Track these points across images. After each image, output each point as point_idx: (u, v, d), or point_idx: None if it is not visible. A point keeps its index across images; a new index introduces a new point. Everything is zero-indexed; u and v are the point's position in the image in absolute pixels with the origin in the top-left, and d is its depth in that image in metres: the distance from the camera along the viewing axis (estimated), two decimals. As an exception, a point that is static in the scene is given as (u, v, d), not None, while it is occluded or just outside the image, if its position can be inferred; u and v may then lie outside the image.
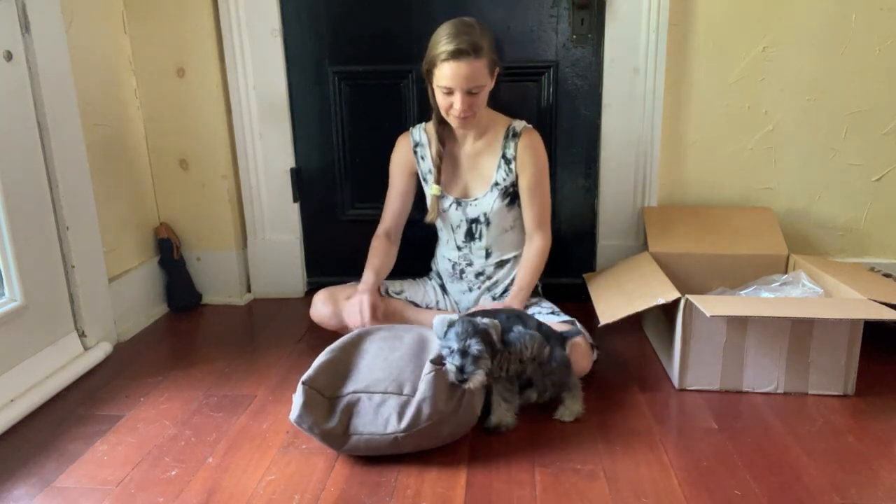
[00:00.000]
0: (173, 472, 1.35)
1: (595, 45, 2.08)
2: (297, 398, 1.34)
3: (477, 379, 1.34)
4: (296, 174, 2.28)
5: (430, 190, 1.85)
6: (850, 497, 1.23)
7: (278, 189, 2.29)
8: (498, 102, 2.12)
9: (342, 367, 1.44)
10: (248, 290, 2.38)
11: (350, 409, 1.35)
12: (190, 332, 2.11)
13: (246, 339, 2.03)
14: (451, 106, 1.69)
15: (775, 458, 1.36)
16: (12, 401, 1.58)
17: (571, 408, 1.50)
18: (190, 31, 2.11)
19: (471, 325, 1.37)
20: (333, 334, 1.84)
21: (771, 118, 2.10)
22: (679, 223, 2.09)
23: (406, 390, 1.36)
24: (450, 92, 1.67)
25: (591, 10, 2.05)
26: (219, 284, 2.33)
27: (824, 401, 1.58)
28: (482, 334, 1.36)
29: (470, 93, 1.66)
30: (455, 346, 1.34)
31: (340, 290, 1.87)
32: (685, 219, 2.10)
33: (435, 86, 1.70)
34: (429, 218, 1.88)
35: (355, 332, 1.57)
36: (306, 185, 2.31)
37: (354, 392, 1.37)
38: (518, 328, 1.46)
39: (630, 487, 1.27)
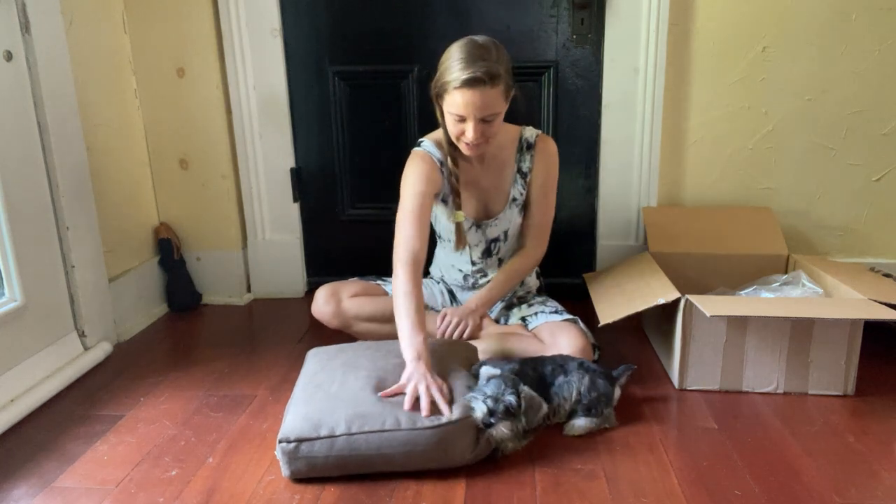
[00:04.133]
0: (173, 472, 1.35)
1: (595, 45, 2.08)
2: (281, 455, 1.30)
3: (501, 431, 1.31)
4: (296, 174, 2.28)
5: (454, 217, 1.73)
6: (850, 497, 1.23)
7: (278, 189, 2.29)
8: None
9: (323, 405, 1.35)
10: (248, 290, 2.37)
11: (350, 450, 1.29)
12: (190, 332, 2.11)
13: (246, 339, 2.03)
14: (462, 133, 1.57)
15: (775, 458, 1.36)
16: (12, 401, 1.59)
17: (579, 424, 1.44)
18: (190, 31, 2.11)
19: (513, 382, 1.35)
20: (335, 333, 1.85)
21: (771, 118, 2.09)
22: (679, 223, 2.08)
23: (404, 424, 1.30)
24: (462, 119, 1.55)
25: (591, 10, 2.05)
26: (219, 284, 2.33)
27: (824, 401, 1.58)
28: (519, 393, 1.34)
29: (483, 121, 1.55)
30: (490, 392, 1.33)
31: (343, 287, 1.83)
32: (685, 219, 2.10)
33: (445, 111, 1.58)
34: (458, 248, 1.78)
35: (317, 365, 1.52)
36: (306, 185, 2.31)
37: (349, 434, 1.28)
38: (560, 379, 1.47)
39: (630, 487, 1.27)
